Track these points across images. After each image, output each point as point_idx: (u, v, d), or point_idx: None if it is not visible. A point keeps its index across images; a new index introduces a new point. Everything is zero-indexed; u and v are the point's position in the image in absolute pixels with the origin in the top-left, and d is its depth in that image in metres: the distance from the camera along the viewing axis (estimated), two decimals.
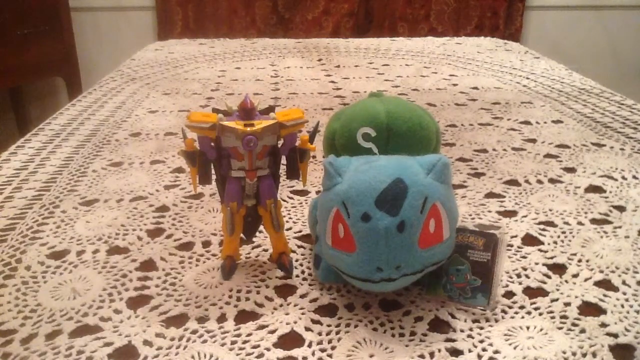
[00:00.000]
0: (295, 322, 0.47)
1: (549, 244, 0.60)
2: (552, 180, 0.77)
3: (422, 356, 0.43)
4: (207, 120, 0.48)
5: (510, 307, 0.49)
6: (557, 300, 0.50)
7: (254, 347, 0.44)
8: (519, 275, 0.54)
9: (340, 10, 2.50)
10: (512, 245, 0.59)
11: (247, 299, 0.50)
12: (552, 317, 0.47)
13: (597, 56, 2.62)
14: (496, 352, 0.43)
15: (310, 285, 0.52)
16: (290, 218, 0.65)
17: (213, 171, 0.51)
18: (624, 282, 0.53)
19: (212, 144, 0.49)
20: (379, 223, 0.42)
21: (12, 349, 0.43)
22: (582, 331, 0.46)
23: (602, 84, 1.27)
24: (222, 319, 0.47)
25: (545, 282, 0.53)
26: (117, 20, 2.51)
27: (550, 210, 0.68)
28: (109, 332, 0.45)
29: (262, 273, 0.54)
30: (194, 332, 0.46)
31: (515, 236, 0.61)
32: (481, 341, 0.44)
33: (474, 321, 0.47)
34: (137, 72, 1.39)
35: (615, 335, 0.45)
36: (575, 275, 0.54)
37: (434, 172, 0.45)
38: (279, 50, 1.69)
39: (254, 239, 0.59)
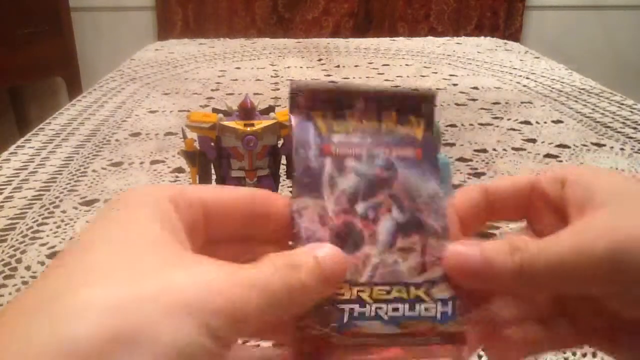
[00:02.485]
0: None
1: None
2: None
3: None
4: (207, 120, 0.48)
5: None
6: None
7: (254, 347, 0.44)
8: None
9: (340, 10, 2.50)
10: None
11: None
12: None
13: (597, 56, 2.62)
14: None
15: None
16: None
17: (213, 171, 0.51)
18: None
19: (212, 144, 0.49)
20: None
21: None
22: None
23: (602, 84, 1.27)
24: None
25: None
26: (117, 20, 2.51)
27: None
28: None
29: None
30: None
31: None
32: None
33: None
34: (137, 72, 1.40)
35: None
36: None
37: None
38: (279, 50, 1.69)
39: None
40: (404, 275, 0.24)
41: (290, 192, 0.25)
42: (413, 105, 0.27)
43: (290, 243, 0.24)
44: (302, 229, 0.24)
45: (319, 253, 0.22)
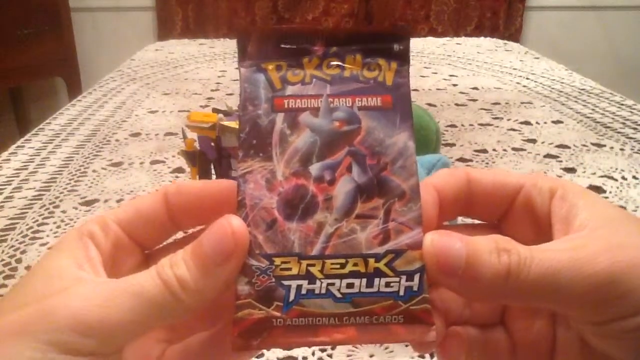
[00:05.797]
0: None
1: None
2: None
3: (422, 356, 0.43)
4: (207, 120, 0.48)
5: None
6: None
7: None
8: None
9: (340, 10, 2.50)
10: None
11: None
12: None
13: (597, 56, 2.62)
14: None
15: None
16: None
17: (213, 171, 0.51)
18: None
19: (212, 144, 0.49)
20: None
21: None
22: None
23: (602, 84, 1.27)
24: None
25: None
26: (117, 20, 2.51)
27: None
28: None
29: None
30: None
31: None
32: None
33: None
34: (137, 72, 1.40)
35: None
36: None
37: (434, 172, 0.45)
38: None
39: None
40: (362, 245, 0.21)
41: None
42: (382, 46, 0.24)
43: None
44: (246, 196, 0.21)
45: (203, 237, 0.20)
